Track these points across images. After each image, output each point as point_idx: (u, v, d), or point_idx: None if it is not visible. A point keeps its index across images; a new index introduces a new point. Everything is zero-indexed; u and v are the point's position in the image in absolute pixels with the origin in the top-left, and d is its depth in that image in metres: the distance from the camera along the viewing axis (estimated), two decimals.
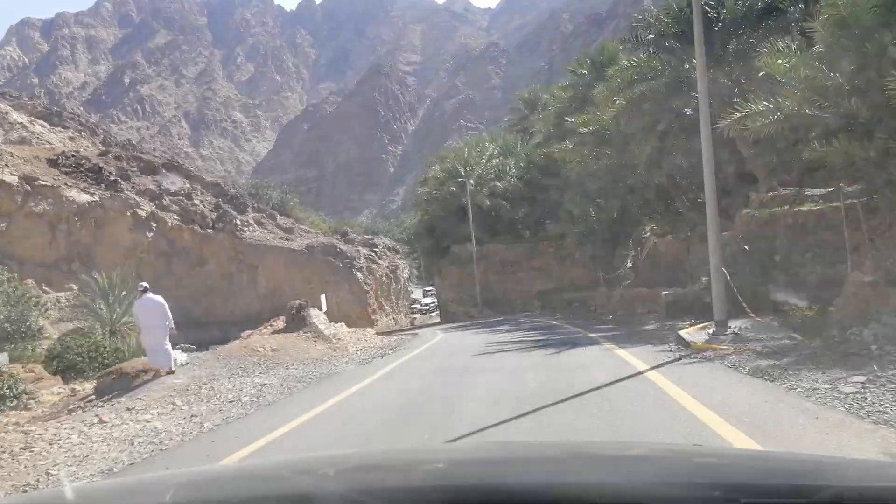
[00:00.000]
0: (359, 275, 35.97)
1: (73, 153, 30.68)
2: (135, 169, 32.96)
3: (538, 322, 22.27)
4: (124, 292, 19.54)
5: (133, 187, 31.49)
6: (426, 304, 50.94)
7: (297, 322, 19.56)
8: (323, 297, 23.84)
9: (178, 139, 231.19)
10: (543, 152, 30.13)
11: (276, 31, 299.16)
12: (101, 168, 30.19)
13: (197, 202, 33.15)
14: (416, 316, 45.30)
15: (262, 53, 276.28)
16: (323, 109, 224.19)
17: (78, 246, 28.98)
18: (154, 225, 31.07)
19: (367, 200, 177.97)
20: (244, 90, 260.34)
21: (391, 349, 17.38)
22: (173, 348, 12.83)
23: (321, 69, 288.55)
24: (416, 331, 27.25)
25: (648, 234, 21.58)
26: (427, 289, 56.32)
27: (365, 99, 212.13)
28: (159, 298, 12.37)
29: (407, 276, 43.33)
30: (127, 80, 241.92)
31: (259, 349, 15.68)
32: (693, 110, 13.71)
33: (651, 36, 17.32)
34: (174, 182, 33.03)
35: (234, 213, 33.68)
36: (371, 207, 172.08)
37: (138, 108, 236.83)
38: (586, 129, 19.34)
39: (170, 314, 12.15)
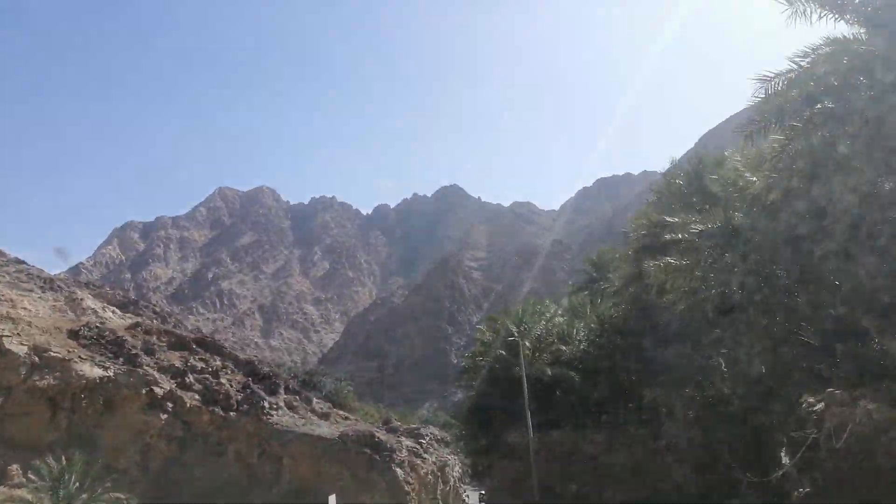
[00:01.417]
0: (399, 471, 30.57)
1: (98, 324, 28.61)
2: (163, 344, 30.44)
3: None
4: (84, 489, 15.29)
5: (156, 363, 28.70)
6: None
7: None
8: (332, 498, 18.99)
9: (251, 330, 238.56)
10: (627, 294, 23.32)
11: (353, 232, 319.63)
12: (124, 341, 27.74)
13: (224, 381, 29.88)
14: None
15: (337, 252, 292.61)
16: (391, 302, 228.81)
17: (80, 427, 25.61)
18: (171, 405, 27.64)
19: (430, 392, 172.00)
20: (318, 285, 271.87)
21: None
22: None
23: (392, 266, 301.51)
24: None
25: (822, 403, 10.62)
26: (483, 491, 48.45)
27: (431, 293, 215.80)
28: None
29: (458, 475, 37.40)
30: (210, 276, 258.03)
31: None
32: None
33: None
34: (203, 359, 30.15)
35: (263, 394, 30.03)
36: (433, 400, 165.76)
37: (216, 301, 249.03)
38: (701, 228, 12.72)
39: None
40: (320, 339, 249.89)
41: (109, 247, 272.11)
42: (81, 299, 45.67)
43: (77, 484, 14.69)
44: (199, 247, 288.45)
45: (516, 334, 28.68)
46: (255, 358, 36.17)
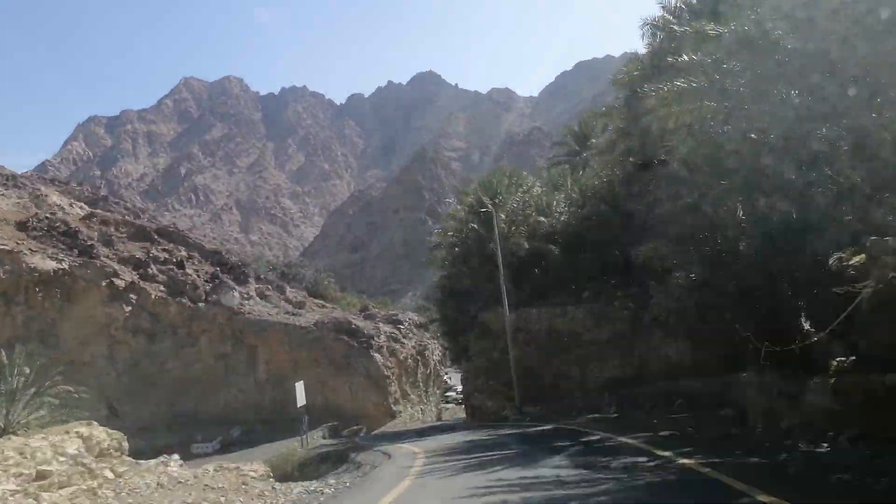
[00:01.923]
0: (378, 356, 30.28)
1: (49, 216, 26.67)
2: (123, 235, 28.71)
3: (638, 447, 10.81)
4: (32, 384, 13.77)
5: (115, 254, 27.11)
6: (462, 394, 44.23)
7: None
8: (299, 385, 18.18)
9: (229, 226, 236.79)
10: (615, 153, 20.59)
11: (326, 123, 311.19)
12: (77, 232, 25.94)
13: (190, 271, 28.53)
14: (450, 407, 38.80)
15: (311, 144, 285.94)
16: (369, 194, 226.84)
17: (38, 322, 24.37)
18: (134, 297, 26.42)
19: (412, 282, 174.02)
20: (294, 179, 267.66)
21: None
22: None
23: (368, 158, 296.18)
24: (391, 449, 15.59)
25: (860, 256, 7.73)
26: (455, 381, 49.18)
27: (410, 184, 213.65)
28: None
29: (439, 358, 37.49)
30: (183, 171, 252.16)
31: None
32: None
33: None
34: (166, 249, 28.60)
35: (233, 283, 28.82)
36: (415, 290, 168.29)
37: (192, 196, 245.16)
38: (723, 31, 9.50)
39: None
40: (301, 233, 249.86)
41: (75, 142, 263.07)
42: (46, 195, 43.32)
43: (22, 378, 13.37)
44: (169, 141, 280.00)
45: (489, 206, 26.00)
46: (222, 248, 34.73)
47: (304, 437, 19.33)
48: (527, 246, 25.91)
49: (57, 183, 63.90)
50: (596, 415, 18.76)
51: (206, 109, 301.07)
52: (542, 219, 26.36)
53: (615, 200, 21.69)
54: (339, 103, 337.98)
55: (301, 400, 18.86)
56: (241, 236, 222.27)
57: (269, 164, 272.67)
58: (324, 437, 22.53)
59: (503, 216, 26.61)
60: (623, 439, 11.88)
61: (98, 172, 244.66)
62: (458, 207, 31.30)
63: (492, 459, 11.18)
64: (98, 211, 32.30)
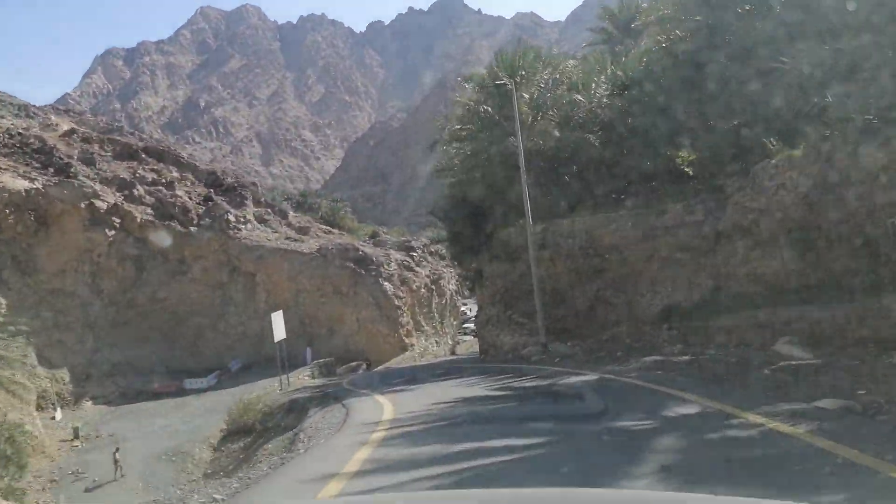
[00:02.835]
0: (388, 285, 27.89)
1: (21, 131, 24.16)
2: (107, 153, 26.18)
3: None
4: None
5: (97, 174, 24.66)
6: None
7: None
8: (277, 316, 15.79)
9: (250, 158, 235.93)
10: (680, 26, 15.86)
11: (346, 53, 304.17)
12: (52, 149, 23.44)
13: (180, 193, 26.05)
14: (467, 339, 36.62)
15: (331, 74, 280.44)
16: (389, 126, 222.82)
17: (12, 247, 22.22)
18: (118, 221, 24.09)
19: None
20: (314, 110, 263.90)
21: None
22: None
23: (389, 88, 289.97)
24: (355, 407, 12.14)
25: None
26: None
27: (431, 114, 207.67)
28: None
29: (455, 288, 35.07)
30: (202, 104, 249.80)
31: None
32: None
33: None
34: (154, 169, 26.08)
35: (228, 206, 26.34)
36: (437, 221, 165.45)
37: (212, 129, 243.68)
38: None
39: None
40: (321, 165, 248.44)
41: (94, 75, 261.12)
42: (57, 125, 40.91)
43: None
44: (188, 73, 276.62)
45: (509, 83, 20.32)
46: (216, 167, 32.13)
47: (286, 377, 17.18)
48: (557, 135, 20.74)
49: (71, 114, 61.49)
50: (656, 357, 13.11)
51: (223, 40, 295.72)
52: (579, 97, 20.85)
53: (678, 75, 16.39)
54: (358, 31, 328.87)
55: (280, 333, 16.53)
56: (263, 169, 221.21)
57: (289, 96, 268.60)
58: (311, 377, 20.38)
59: (526, 97, 21.30)
60: (763, 421, 6.07)
61: (118, 105, 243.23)
62: (468, 89, 24.95)
63: (487, 470, 5.50)
64: (79, 127, 29.70)
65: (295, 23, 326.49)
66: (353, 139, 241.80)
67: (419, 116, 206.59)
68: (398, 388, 15.88)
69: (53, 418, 22.73)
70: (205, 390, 23.92)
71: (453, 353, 31.57)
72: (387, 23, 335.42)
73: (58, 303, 22.02)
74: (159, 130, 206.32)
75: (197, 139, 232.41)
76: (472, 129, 22.45)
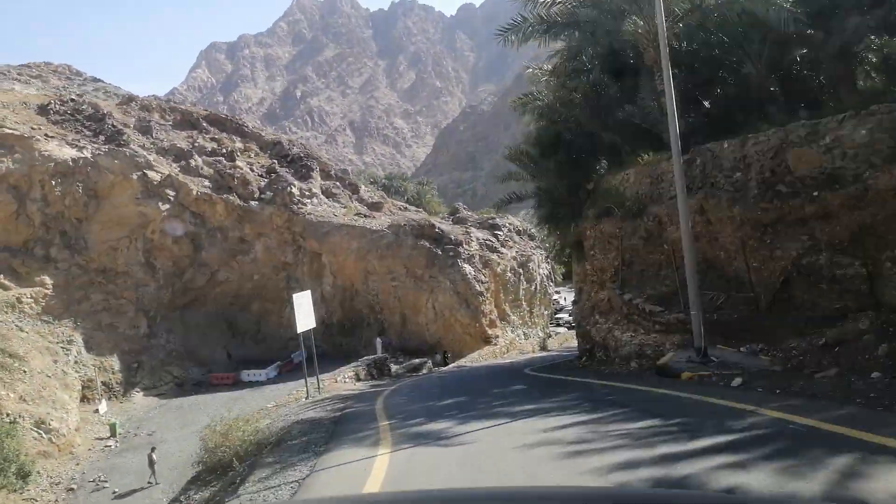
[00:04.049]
0: (468, 268, 24.36)
1: (74, 97, 22.41)
2: (167, 122, 24.15)
3: None
4: None
5: (153, 143, 22.60)
6: (573, 316, 37.14)
7: None
8: (301, 297, 12.45)
9: (343, 147, 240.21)
10: None
11: (437, 38, 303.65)
12: (105, 116, 21.52)
13: (241, 164, 23.62)
14: (560, 332, 32.44)
15: (423, 60, 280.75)
16: (480, 110, 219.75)
17: (59, 222, 20.46)
18: (172, 194, 21.93)
19: (528, 202, 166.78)
20: (405, 97, 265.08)
21: None
22: None
23: (480, 72, 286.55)
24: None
25: None
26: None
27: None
28: None
29: (546, 272, 31.04)
30: (298, 94, 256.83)
31: None
32: None
33: None
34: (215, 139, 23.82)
35: (292, 178, 23.69)
36: (529, 207, 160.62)
37: (308, 119, 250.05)
38: None
39: None
40: (413, 153, 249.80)
41: (199, 70, 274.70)
42: (148, 117, 40.70)
43: None
44: (285, 64, 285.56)
45: None
46: (281, 137, 29.65)
47: (316, 380, 13.85)
48: (702, 36, 13.99)
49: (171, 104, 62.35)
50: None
51: (318, 30, 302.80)
52: None
53: None
54: (449, 15, 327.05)
55: (306, 321, 12.87)
56: (356, 157, 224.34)
57: (381, 84, 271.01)
58: (356, 378, 16.52)
59: None
60: None
61: (221, 98, 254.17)
62: None
63: None
64: (139, 96, 28.01)
65: (386, 9, 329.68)
66: (444, 125, 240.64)
67: (510, 98, 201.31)
68: (434, 422, 8.98)
69: (97, 411, 21.08)
70: (263, 383, 21.48)
71: (544, 347, 27.65)
72: (477, 5, 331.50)
73: (109, 283, 20.19)
74: (258, 121, 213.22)
75: (294, 129, 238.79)
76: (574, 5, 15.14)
